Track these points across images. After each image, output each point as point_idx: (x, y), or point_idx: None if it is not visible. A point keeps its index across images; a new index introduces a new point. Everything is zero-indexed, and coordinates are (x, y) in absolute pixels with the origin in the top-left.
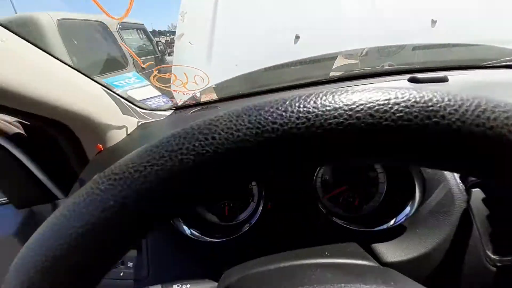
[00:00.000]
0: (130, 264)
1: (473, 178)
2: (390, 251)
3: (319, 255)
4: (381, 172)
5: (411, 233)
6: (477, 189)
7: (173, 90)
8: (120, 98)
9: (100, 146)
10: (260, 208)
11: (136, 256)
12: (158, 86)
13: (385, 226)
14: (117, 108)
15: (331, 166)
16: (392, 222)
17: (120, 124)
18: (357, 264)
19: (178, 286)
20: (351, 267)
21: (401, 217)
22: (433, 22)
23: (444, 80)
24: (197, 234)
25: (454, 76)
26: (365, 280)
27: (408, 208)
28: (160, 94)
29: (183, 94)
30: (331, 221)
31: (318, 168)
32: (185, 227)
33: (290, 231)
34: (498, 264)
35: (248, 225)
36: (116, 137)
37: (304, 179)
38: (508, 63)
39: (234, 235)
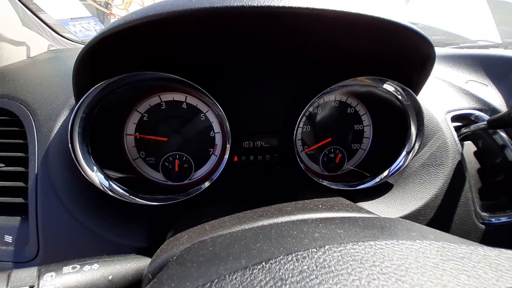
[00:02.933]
0: (8, 239)
1: (465, 130)
2: (380, 211)
3: (311, 209)
4: (368, 125)
5: (401, 190)
6: (469, 141)
7: (111, 13)
8: (24, 7)
9: None
10: (225, 161)
11: (19, 225)
12: None
13: (369, 184)
14: (15, 15)
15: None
16: (386, 173)
17: (17, 40)
18: (362, 217)
19: (74, 267)
20: (357, 220)
21: (395, 168)
22: None
23: None
24: (121, 191)
25: None
26: (388, 234)
27: (402, 159)
28: (91, 15)
29: None
30: (309, 178)
31: (300, 117)
32: (100, 177)
33: (261, 188)
34: (487, 222)
35: (209, 181)
36: (8, 57)
37: (283, 130)
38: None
39: (189, 196)
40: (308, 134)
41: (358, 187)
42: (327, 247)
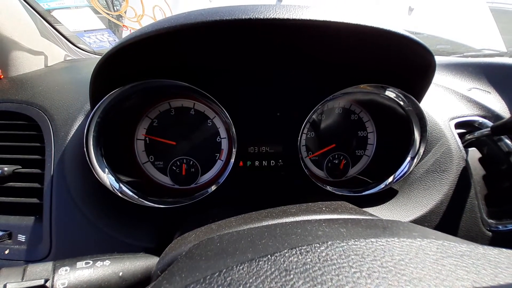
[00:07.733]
0: (21, 238)
1: (469, 136)
2: (385, 216)
3: (315, 211)
4: (371, 132)
5: (406, 196)
6: (473, 148)
7: (124, 26)
8: (42, 20)
9: None
10: (230, 166)
11: (33, 224)
12: (101, 10)
13: (374, 190)
14: (33, 27)
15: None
16: (391, 179)
17: (35, 49)
18: (365, 218)
19: (87, 263)
20: (360, 221)
21: (400, 174)
22: (410, 9)
23: None
24: (130, 193)
25: None
26: (390, 233)
27: (407, 165)
28: (105, 27)
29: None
30: (313, 184)
31: (304, 124)
32: (111, 179)
33: (266, 193)
34: (494, 229)
35: (215, 185)
36: (27, 65)
37: (287, 136)
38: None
39: (195, 199)
40: (312, 140)
41: (363, 193)
42: (329, 242)
